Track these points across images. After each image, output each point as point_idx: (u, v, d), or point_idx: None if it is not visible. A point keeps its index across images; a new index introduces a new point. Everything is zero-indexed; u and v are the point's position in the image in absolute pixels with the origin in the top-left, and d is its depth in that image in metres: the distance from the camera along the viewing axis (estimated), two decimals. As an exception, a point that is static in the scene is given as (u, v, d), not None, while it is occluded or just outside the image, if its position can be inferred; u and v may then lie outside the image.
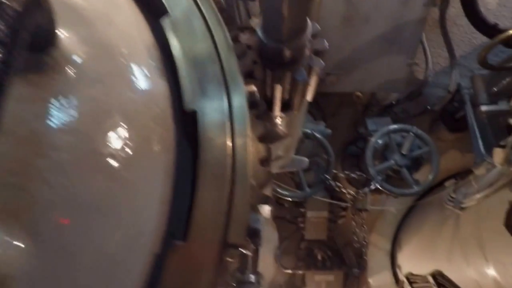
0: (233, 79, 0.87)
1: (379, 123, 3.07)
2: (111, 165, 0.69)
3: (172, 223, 0.77)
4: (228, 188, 0.79)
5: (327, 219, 4.06)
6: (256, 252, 1.92)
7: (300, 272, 4.47)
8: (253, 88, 0.88)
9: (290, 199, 2.95)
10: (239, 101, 0.85)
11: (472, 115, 3.07)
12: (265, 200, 0.89)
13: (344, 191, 2.66)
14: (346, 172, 2.83)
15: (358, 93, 3.02)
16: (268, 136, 1.27)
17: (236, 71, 0.88)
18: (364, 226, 3.01)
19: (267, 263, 4.47)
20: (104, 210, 0.68)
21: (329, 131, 2.87)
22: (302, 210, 4.09)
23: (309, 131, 2.64)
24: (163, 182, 0.78)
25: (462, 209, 3.07)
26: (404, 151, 2.77)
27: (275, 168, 1.73)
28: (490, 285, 2.71)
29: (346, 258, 4.49)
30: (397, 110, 3.59)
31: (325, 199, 3.22)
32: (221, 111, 0.83)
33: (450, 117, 3.46)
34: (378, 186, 2.66)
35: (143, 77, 0.81)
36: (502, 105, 2.38)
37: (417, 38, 2.84)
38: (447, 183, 3.47)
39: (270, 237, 4.45)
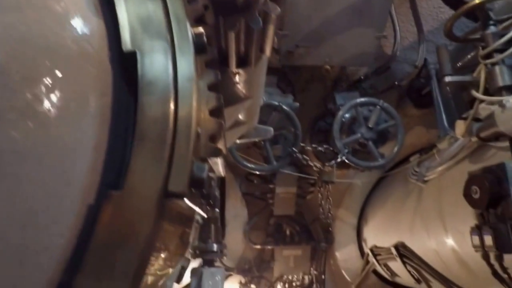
0: (178, 20, 0.79)
1: (347, 97, 3.06)
2: (29, 105, 0.61)
3: (108, 172, 0.70)
4: (170, 135, 0.73)
5: (295, 195, 4.08)
6: (216, 221, 1.89)
7: (269, 247, 4.51)
8: (200, 29, 0.81)
9: (257, 172, 2.91)
10: (184, 43, 0.78)
11: (437, 89, 3.11)
12: (215, 153, 0.83)
13: (311, 164, 2.65)
14: (314, 146, 2.82)
15: (327, 67, 2.98)
16: (224, 94, 1.21)
17: (182, 12, 0.80)
18: (330, 199, 3.04)
19: (236, 239, 4.48)
20: (23, 155, 0.61)
21: (296, 104, 2.84)
22: (271, 186, 4.09)
23: (276, 103, 2.59)
24: (98, 128, 0.71)
25: (424, 182, 3.15)
26: (370, 124, 2.78)
27: (238, 134, 1.68)
28: (449, 254, 2.81)
29: (314, 233, 4.56)
30: (366, 85, 3.60)
31: (293, 173, 3.21)
32: (164, 53, 0.76)
33: (417, 93, 3.50)
34: (345, 159, 2.66)
35: (73, 12, 0.72)
36: (466, 77, 2.41)
37: (386, 11, 2.82)
38: (411, 158, 3.54)
39: (239, 213, 4.44)
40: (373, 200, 4.35)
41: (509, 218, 2.05)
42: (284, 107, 2.61)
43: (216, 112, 0.85)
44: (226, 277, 4.62)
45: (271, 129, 2.02)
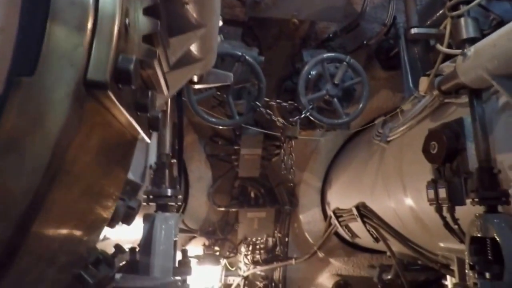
0: None
1: (315, 55, 2.98)
2: None
3: (18, 57, 0.60)
4: (90, 18, 0.62)
5: (260, 156, 4.05)
6: (170, 166, 1.80)
7: (234, 209, 4.50)
8: None
9: (220, 127, 2.82)
10: None
11: (405, 50, 3.10)
12: (150, 54, 0.73)
13: (274, 119, 2.58)
14: (278, 101, 2.74)
15: (295, 21, 2.88)
16: (171, 16, 1.09)
17: None
18: (292, 155, 3.01)
19: (200, 201, 4.43)
20: None
21: (261, 58, 2.73)
22: (236, 147, 4.02)
23: (239, 53, 2.48)
24: (5, 8, 0.59)
25: (387, 142, 3.18)
26: (336, 81, 2.73)
27: (193, 72, 1.57)
28: (406, 212, 2.88)
29: (278, 196, 4.58)
30: (334, 45, 3.53)
31: (256, 129, 3.14)
32: None
33: (385, 54, 3.48)
34: (308, 115, 2.62)
35: None
36: (432, 29, 2.39)
37: (357, -37, 2.71)
38: (376, 121, 3.56)
39: (203, 176, 4.37)
40: (337, 164, 4.39)
41: (463, 172, 2.08)
42: (248, 58, 2.50)
43: (151, 11, 0.74)
44: (190, 239, 4.60)
45: (231, 74, 1.92)
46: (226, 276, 4.87)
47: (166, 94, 1.03)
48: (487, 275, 1.72)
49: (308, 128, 3.28)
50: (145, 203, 1.64)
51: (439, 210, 2.20)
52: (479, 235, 1.79)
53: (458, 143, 2.15)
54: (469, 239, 1.80)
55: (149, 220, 1.55)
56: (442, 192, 2.14)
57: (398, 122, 3.05)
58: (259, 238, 4.64)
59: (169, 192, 1.63)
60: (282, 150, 2.98)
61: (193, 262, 4.58)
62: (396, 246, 3.31)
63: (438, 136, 2.23)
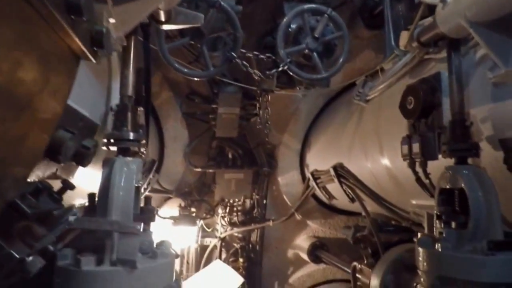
0: None
1: (296, 7, 2.84)
2: None
3: None
4: None
5: (238, 116, 3.96)
6: (133, 109, 1.70)
7: (211, 170, 4.45)
8: None
9: (195, 78, 2.70)
10: None
11: (388, 6, 3.00)
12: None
13: (250, 71, 2.48)
14: (255, 53, 2.63)
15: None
16: None
17: None
18: (268, 109, 2.94)
19: (176, 161, 4.36)
20: None
21: (239, 7, 2.59)
22: (214, 106, 3.92)
23: (214, -1, 2.33)
24: None
25: (366, 102, 3.13)
26: (317, 34, 2.62)
27: (150, 5, 1.44)
28: (382, 170, 2.88)
29: (257, 157, 4.54)
30: (318, 1, 3.39)
31: (232, 82, 3.04)
32: None
33: (369, 12, 3.37)
34: (286, 69, 2.52)
35: None
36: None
37: None
38: (357, 81, 3.50)
39: (179, 135, 4.28)
40: (317, 126, 4.35)
41: (438, 126, 2.06)
42: (224, 4, 2.36)
43: None
44: (165, 200, 4.56)
45: (201, 15, 1.80)
46: (202, 237, 4.90)
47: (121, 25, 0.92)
48: (453, 224, 1.73)
49: (287, 86, 3.20)
50: (104, 147, 1.55)
51: (412, 165, 2.19)
52: (448, 186, 1.78)
53: (434, 97, 2.11)
54: (438, 190, 1.79)
55: (108, 164, 1.46)
56: (416, 147, 2.12)
57: (378, 81, 3.00)
58: (236, 200, 4.64)
59: (131, 135, 1.55)
60: (257, 104, 2.90)
61: (169, 223, 4.57)
62: (371, 207, 3.34)
63: (415, 91, 2.19)
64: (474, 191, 1.65)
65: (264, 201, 4.83)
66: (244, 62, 2.46)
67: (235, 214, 4.74)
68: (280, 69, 2.51)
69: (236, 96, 3.76)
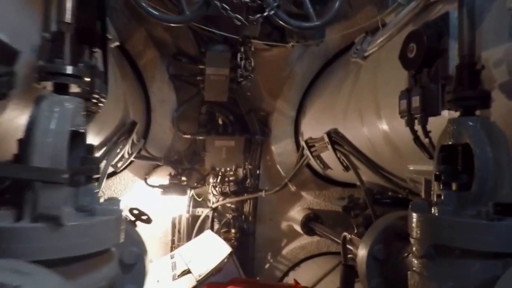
0: None
1: None
2: None
3: None
4: None
5: (228, 77, 3.67)
6: (72, 39, 1.44)
7: (200, 137, 4.20)
8: None
9: (168, 24, 2.41)
10: None
11: (392, -51, 2.64)
12: None
13: (231, 15, 2.18)
14: None
15: None
16: None
17: None
18: (251, 59, 2.66)
19: (163, 127, 4.11)
20: None
21: None
22: (202, 67, 3.63)
23: None
24: None
25: (364, 58, 2.83)
26: (308, -24, 2.31)
27: None
28: (378, 135, 2.62)
29: (249, 124, 4.28)
30: None
31: (213, 30, 2.73)
32: None
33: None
34: (272, 15, 2.22)
35: None
36: None
37: None
38: (356, 39, 3.17)
39: (166, 98, 4.01)
40: (313, 91, 4.05)
41: (442, 77, 1.77)
42: None
43: None
44: (154, 168, 4.35)
45: None
46: (194, 207, 4.72)
47: None
48: (454, 186, 1.47)
49: (279, 41, 2.90)
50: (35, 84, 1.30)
51: (410, 122, 1.92)
52: (450, 142, 1.51)
53: (440, 43, 1.81)
54: (439, 148, 1.53)
55: (38, 101, 1.21)
56: (416, 101, 1.84)
57: (378, 35, 2.68)
58: (228, 169, 4.42)
59: (68, 69, 1.29)
60: (239, 54, 2.61)
61: (158, 192, 4.38)
62: (367, 176, 3.10)
63: (417, 36, 1.89)
64: (481, 146, 1.38)
65: (258, 171, 4.61)
66: (224, 5, 2.16)
67: (227, 184, 4.53)
68: (265, 13, 2.20)
69: (224, 55, 3.47)
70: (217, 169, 4.37)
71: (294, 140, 4.37)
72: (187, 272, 3.74)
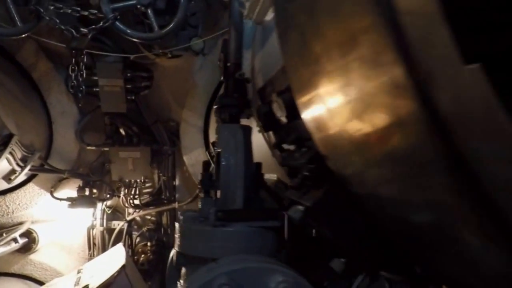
0: None
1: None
2: None
3: None
4: None
5: (124, 88, 3.66)
6: None
7: (104, 149, 4.16)
8: None
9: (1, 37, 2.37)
10: None
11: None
12: None
13: (62, 27, 2.15)
14: (75, 8, 2.29)
15: None
16: None
17: None
18: (83, 71, 2.65)
19: (67, 139, 4.05)
20: None
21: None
22: (95, 78, 3.61)
23: None
24: None
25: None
26: (149, -12, 2.32)
27: None
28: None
29: (156, 135, 4.26)
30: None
31: (54, 43, 2.71)
32: None
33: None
34: (109, 25, 2.22)
35: None
36: None
37: None
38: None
39: (67, 110, 3.97)
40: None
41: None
42: None
43: None
44: (60, 180, 4.27)
45: None
46: (109, 220, 4.64)
47: None
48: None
49: (149, 51, 2.91)
50: None
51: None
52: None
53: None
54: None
55: None
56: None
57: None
58: (138, 181, 4.37)
59: None
60: (70, 66, 2.60)
61: (65, 205, 4.30)
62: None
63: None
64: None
65: (174, 182, 4.57)
66: (54, 18, 2.15)
67: (142, 196, 4.49)
68: (99, 26, 2.20)
69: (115, 66, 3.46)
70: (128, 180, 4.32)
71: (205, 150, 4.35)
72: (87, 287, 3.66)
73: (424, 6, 0.52)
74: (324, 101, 0.82)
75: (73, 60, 2.51)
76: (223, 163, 1.35)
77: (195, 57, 3.51)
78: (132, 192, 4.41)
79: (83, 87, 2.66)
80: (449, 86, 0.52)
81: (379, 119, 0.66)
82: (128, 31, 2.28)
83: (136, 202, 4.41)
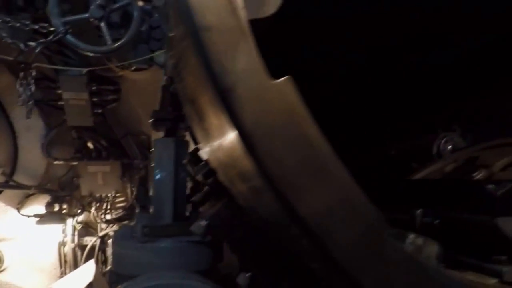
0: None
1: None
2: None
3: None
4: None
5: (90, 102, 3.62)
6: None
7: (73, 163, 4.09)
8: None
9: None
10: None
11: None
12: None
13: (8, 40, 2.11)
14: (23, 21, 2.26)
15: None
16: None
17: None
18: (32, 86, 2.62)
19: (33, 154, 3.97)
20: None
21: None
22: (59, 91, 3.56)
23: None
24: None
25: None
26: (101, 1, 2.31)
27: None
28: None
29: (127, 148, 4.21)
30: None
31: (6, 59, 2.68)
32: None
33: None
34: (60, 38, 2.20)
35: None
36: None
37: None
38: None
39: (32, 125, 3.90)
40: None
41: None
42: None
43: None
44: (27, 196, 4.18)
45: None
46: (82, 236, 4.54)
47: None
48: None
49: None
50: None
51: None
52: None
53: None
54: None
55: None
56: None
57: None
58: (109, 195, 4.30)
59: None
60: (18, 80, 2.57)
61: (33, 222, 4.20)
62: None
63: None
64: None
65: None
66: (0, 32, 2.11)
67: (115, 210, 4.41)
68: (48, 39, 2.17)
69: (79, 79, 3.42)
70: (97, 195, 4.25)
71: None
72: (55, 306, 3.56)
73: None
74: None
75: (21, 74, 2.47)
76: (156, 177, 1.33)
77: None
78: (104, 207, 4.33)
79: (32, 100, 2.61)
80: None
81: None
82: (80, 44, 2.26)
83: (108, 217, 4.33)
